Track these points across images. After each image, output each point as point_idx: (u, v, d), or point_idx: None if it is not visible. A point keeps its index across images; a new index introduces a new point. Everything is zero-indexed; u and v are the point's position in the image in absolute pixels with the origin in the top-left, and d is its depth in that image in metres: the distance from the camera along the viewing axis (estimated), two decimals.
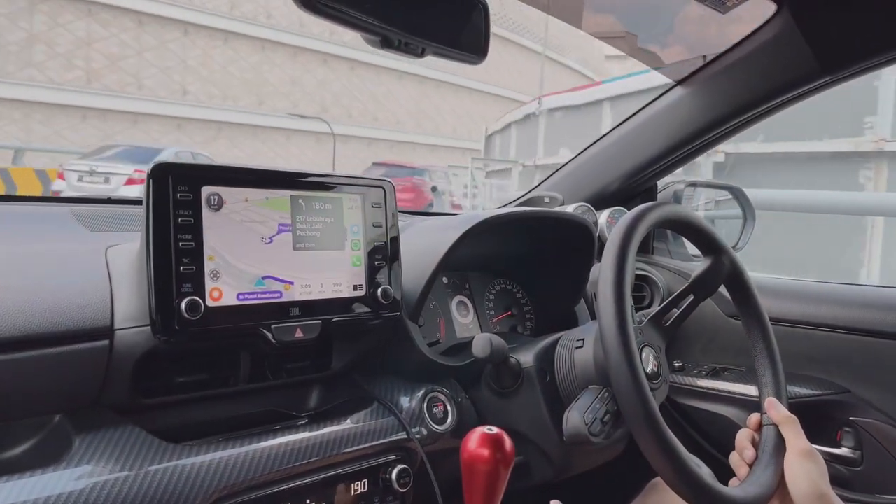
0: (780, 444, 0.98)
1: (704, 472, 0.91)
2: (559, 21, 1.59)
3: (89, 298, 0.89)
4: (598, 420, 0.99)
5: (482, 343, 1.09)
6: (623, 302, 0.92)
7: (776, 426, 0.99)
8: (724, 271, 1.09)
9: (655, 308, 1.11)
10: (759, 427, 1.02)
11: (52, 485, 0.80)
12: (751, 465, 0.99)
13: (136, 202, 1.40)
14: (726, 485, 0.94)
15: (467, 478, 0.80)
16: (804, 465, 0.94)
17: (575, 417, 0.99)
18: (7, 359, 0.80)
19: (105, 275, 0.93)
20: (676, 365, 1.58)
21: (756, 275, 1.35)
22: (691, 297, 1.08)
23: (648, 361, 1.01)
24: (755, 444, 1.01)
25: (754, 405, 1.08)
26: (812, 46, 1.25)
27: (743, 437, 1.02)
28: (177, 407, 1.01)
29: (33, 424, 0.88)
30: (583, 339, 1.10)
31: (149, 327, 0.88)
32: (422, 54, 0.92)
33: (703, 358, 1.58)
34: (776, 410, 1.01)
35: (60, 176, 10.94)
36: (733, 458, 1.02)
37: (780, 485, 0.96)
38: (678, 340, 1.60)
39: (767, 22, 1.30)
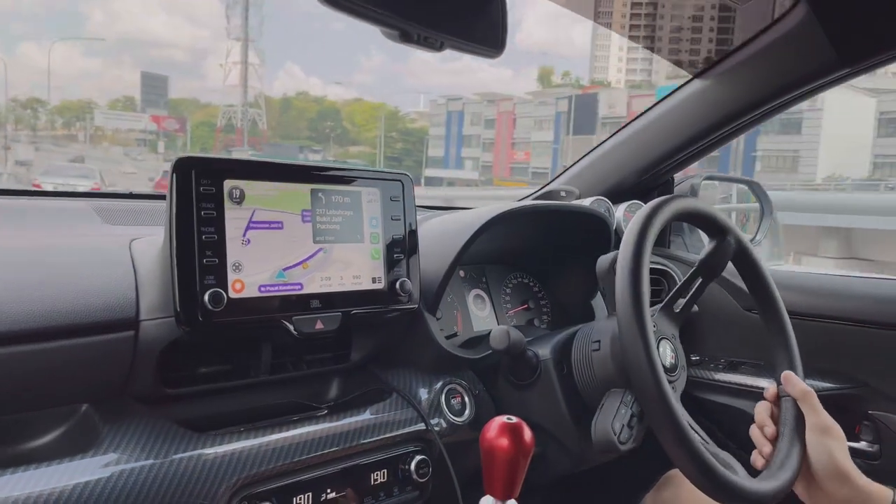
0: (799, 421, 0.97)
1: (723, 459, 0.91)
2: None
3: (115, 290, 0.90)
4: (626, 426, 1.00)
5: (500, 335, 1.10)
6: (640, 298, 0.92)
7: (794, 400, 0.99)
8: (730, 250, 1.08)
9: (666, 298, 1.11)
10: (777, 399, 1.01)
11: (79, 472, 0.82)
12: (772, 441, 0.98)
13: (157, 197, 1.42)
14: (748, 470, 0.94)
15: (487, 466, 0.81)
16: (823, 442, 0.94)
17: (603, 426, 1.00)
18: (35, 349, 0.82)
19: (130, 267, 0.94)
20: (693, 358, 1.58)
21: (772, 267, 1.34)
22: (699, 281, 1.08)
23: (666, 354, 1.02)
24: (774, 419, 1.00)
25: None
26: (831, 38, 1.25)
27: (762, 411, 1.01)
28: (200, 397, 1.03)
29: (61, 413, 0.90)
30: (598, 342, 1.10)
31: (173, 318, 0.89)
32: (441, 48, 0.93)
33: (720, 351, 1.58)
34: (793, 385, 0.99)
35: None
36: (754, 433, 1.01)
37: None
38: (695, 333, 1.59)
39: (786, 14, 1.29)
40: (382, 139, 67.37)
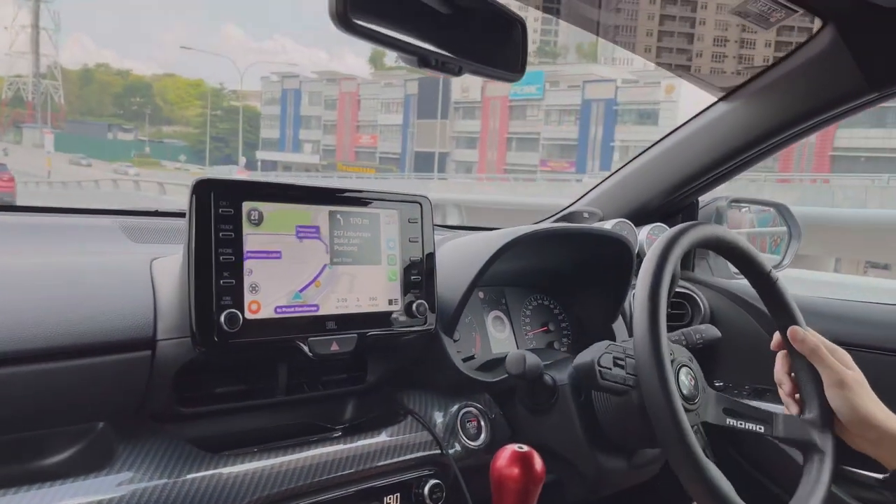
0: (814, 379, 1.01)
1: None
2: None
3: (133, 310, 0.92)
4: (610, 360, 1.01)
5: (516, 360, 1.09)
6: (658, 327, 0.91)
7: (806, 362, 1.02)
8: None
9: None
10: (782, 347, 1.07)
11: (94, 491, 0.83)
12: (793, 397, 1.04)
13: (182, 215, 1.44)
14: None
15: (496, 496, 0.80)
16: (840, 395, 0.98)
17: (587, 354, 1.02)
18: (53, 367, 0.83)
19: (149, 287, 0.96)
20: (717, 384, 1.56)
21: (797, 294, 1.32)
22: None
23: (685, 383, 1.00)
24: (790, 374, 1.06)
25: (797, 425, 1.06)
26: (858, 62, 1.23)
27: (779, 370, 1.08)
28: (215, 417, 1.03)
29: (77, 431, 0.91)
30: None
31: (189, 339, 0.90)
32: (459, 73, 0.93)
33: (744, 378, 1.55)
34: (801, 342, 1.02)
35: None
36: (781, 394, 1.07)
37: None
38: (717, 359, 1.57)
39: (812, 37, 1.28)
40: (209, 119, 62.74)
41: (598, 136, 43.89)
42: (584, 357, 1.02)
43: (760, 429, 1.01)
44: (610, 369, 1.00)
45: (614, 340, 1.42)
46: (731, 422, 1.02)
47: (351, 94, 58.84)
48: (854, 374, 0.99)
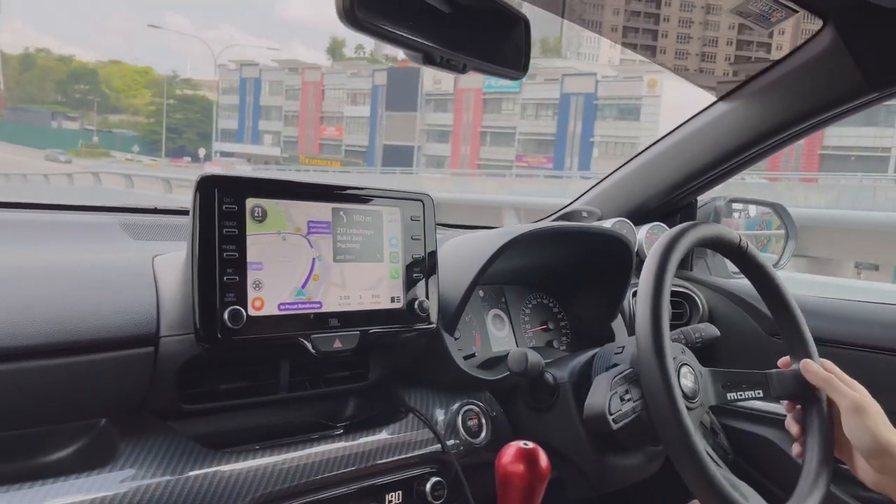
0: (825, 435, 0.99)
1: (745, 491, 0.90)
2: None
3: (136, 306, 0.91)
4: (617, 397, 0.99)
5: (518, 358, 1.09)
6: (661, 325, 0.92)
7: (818, 412, 1.00)
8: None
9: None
10: (788, 366, 1.05)
11: (96, 487, 0.83)
12: (798, 441, 1.02)
13: (182, 212, 1.43)
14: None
15: (501, 493, 0.80)
16: (859, 422, 0.94)
17: (595, 400, 0.99)
18: (55, 364, 0.83)
19: (152, 283, 0.95)
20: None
21: (798, 294, 1.32)
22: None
23: (686, 381, 1.00)
24: (797, 420, 1.03)
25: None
26: (858, 63, 1.23)
27: (790, 422, 1.05)
28: (218, 414, 1.03)
29: (80, 428, 0.90)
30: (623, 347, 1.09)
31: (192, 335, 0.90)
32: (463, 70, 0.93)
33: None
34: (813, 373, 1.00)
35: None
36: (795, 451, 1.03)
37: (845, 443, 0.97)
38: (716, 358, 1.57)
39: (812, 38, 1.28)
40: (164, 108, 60.23)
41: (577, 132, 43.02)
42: (593, 408, 0.99)
43: (759, 393, 1.03)
44: (620, 409, 0.98)
45: (613, 339, 1.43)
46: (731, 395, 1.03)
47: (315, 83, 56.85)
48: (871, 402, 0.96)
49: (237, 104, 61.96)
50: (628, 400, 0.99)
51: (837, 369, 1.03)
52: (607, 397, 0.97)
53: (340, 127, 55.91)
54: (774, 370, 1.05)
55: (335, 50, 75.98)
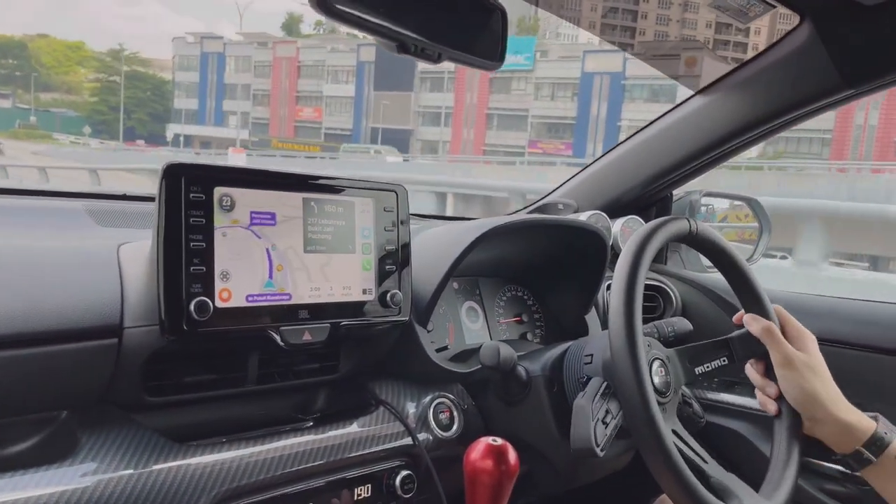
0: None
1: (723, 483, 0.91)
2: None
3: (100, 296, 0.89)
4: (601, 422, 0.97)
5: (490, 351, 1.09)
6: (633, 320, 0.92)
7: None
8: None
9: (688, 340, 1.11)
10: (741, 324, 1.07)
11: (56, 480, 0.81)
12: (764, 391, 1.04)
13: (152, 198, 1.41)
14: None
15: (470, 489, 0.80)
16: (787, 375, 0.99)
17: (582, 432, 0.96)
18: (15, 354, 0.81)
19: (116, 273, 0.93)
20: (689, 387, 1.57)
21: (771, 288, 1.33)
22: (724, 362, 1.06)
23: (658, 374, 1.00)
24: (762, 373, 1.06)
25: (766, 420, 1.07)
26: (834, 59, 1.24)
27: (753, 375, 1.07)
28: (185, 406, 1.01)
29: (40, 420, 0.88)
30: (591, 355, 1.09)
31: (158, 327, 0.88)
32: (438, 59, 0.92)
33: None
34: (755, 323, 1.04)
35: None
36: (760, 399, 1.06)
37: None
38: None
39: (789, 33, 1.28)
40: (123, 85, 54.62)
41: (601, 115, 39.43)
42: (580, 442, 0.95)
43: (724, 360, 1.05)
44: (605, 434, 0.97)
45: (587, 332, 1.43)
46: (699, 370, 1.05)
47: (288, 59, 50.68)
48: (804, 356, 1.00)
49: (196, 82, 55.27)
50: (610, 420, 0.98)
51: (788, 316, 1.06)
52: (591, 428, 0.95)
53: (319, 108, 50.80)
54: (734, 333, 1.07)
55: (291, 26, 69.95)
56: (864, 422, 0.96)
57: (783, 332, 1.04)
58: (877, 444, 0.94)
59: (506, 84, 43.70)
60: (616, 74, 38.93)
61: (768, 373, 1.04)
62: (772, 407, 1.03)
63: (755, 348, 1.04)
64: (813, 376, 0.98)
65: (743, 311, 1.08)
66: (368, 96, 48.00)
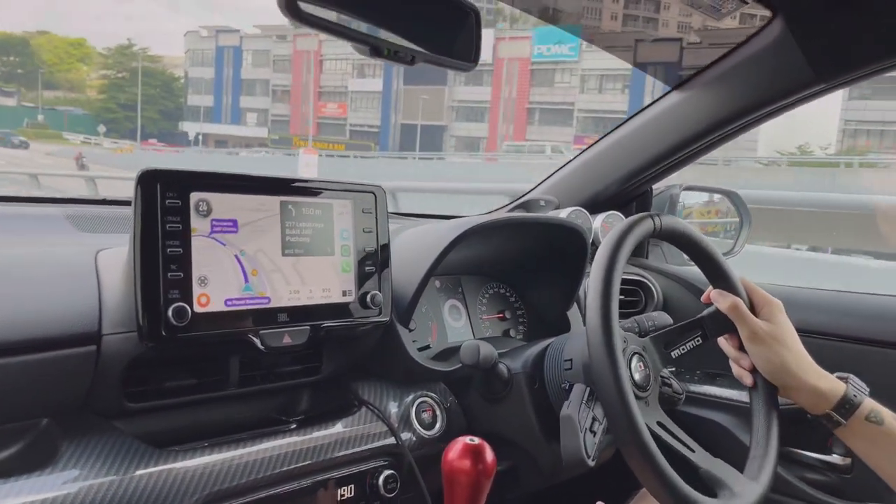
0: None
1: (712, 474, 0.93)
2: None
3: (78, 303, 0.89)
4: (588, 431, 0.98)
5: (470, 351, 1.10)
6: (609, 316, 0.93)
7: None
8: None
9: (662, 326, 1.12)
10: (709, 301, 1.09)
11: (38, 489, 0.81)
12: (740, 364, 1.07)
13: (130, 202, 1.40)
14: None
15: (448, 489, 0.80)
16: (755, 349, 1.02)
17: (572, 445, 0.97)
18: None
19: (94, 280, 0.93)
20: (668, 370, 1.58)
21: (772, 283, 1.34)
22: (698, 340, 1.08)
23: (638, 370, 1.01)
24: (735, 346, 1.08)
25: (747, 411, 1.09)
26: (806, 54, 1.25)
27: (725, 346, 1.09)
28: (166, 411, 1.01)
29: (20, 428, 0.88)
30: (570, 360, 1.10)
31: (136, 333, 0.88)
32: (412, 62, 0.92)
33: (696, 364, 1.58)
34: (722, 299, 1.05)
35: None
36: (735, 371, 1.09)
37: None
38: None
39: (762, 29, 1.30)
40: (140, 82, 51.21)
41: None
42: (571, 455, 0.97)
43: (699, 340, 1.07)
44: (595, 443, 0.98)
45: (569, 328, 1.44)
46: (675, 353, 1.07)
47: (310, 53, 47.95)
48: (770, 327, 1.02)
49: (211, 78, 52.71)
50: (598, 427, 0.99)
51: (753, 287, 1.08)
52: (581, 439, 0.96)
53: (343, 104, 47.97)
54: (705, 312, 1.08)
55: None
56: (835, 386, 0.99)
57: (751, 303, 1.06)
58: (846, 406, 0.98)
59: (548, 76, 40.98)
60: (671, 65, 38.00)
61: (741, 346, 1.06)
62: (748, 379, 1.06)
63: (726, 324, 1.06)
64: (780, 347, 1.01)
65: (711, 287, 1.10)
66: (397, 91, 45.36)
